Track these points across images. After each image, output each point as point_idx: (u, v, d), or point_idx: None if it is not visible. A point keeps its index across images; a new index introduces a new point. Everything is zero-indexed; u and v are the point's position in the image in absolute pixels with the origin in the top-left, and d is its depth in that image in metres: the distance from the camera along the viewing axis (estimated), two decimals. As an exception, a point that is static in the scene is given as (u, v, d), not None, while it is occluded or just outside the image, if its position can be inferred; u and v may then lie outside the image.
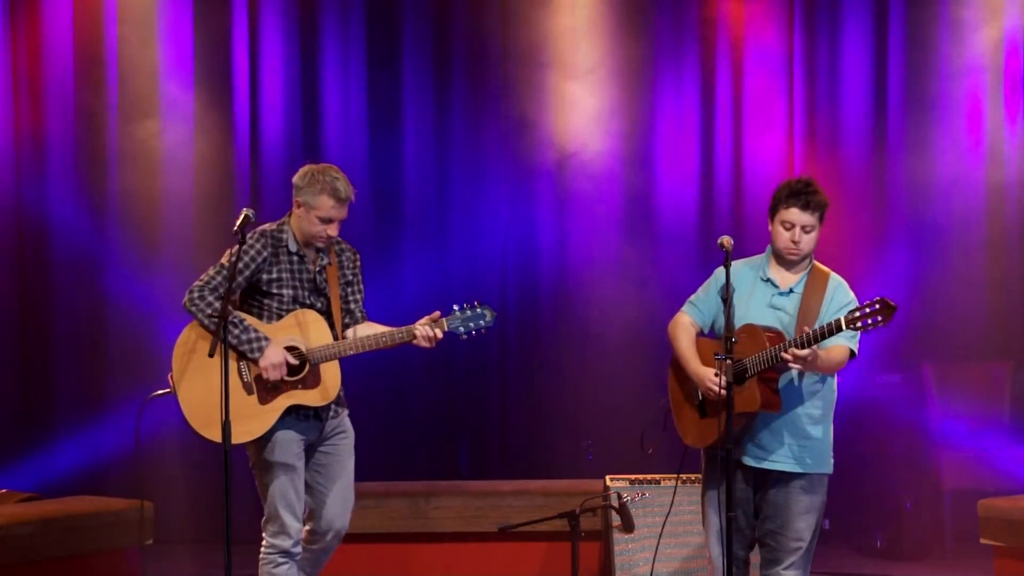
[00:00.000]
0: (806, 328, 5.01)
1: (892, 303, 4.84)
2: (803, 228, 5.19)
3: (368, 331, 5.58)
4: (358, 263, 5.69)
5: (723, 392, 4.98)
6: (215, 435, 5.15)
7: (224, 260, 5.43)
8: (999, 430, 8.69)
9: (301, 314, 5.46)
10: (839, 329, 4.92)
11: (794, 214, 5.18)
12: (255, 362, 5.35)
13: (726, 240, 5.10)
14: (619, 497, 6.66)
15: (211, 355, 5.14)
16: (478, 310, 5.53)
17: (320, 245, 5.49)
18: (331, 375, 5.45)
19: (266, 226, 5.51)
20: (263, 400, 5.37)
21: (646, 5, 9.33)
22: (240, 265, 5.35)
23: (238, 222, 5.19)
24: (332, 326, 5.50)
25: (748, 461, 5.22)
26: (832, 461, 5.28)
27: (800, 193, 5.17)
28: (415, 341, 5.45)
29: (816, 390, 5.21)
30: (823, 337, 4.95)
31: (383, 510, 7.57)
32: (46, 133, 9.06)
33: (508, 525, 6.62)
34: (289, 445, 5.42)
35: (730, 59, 9.30)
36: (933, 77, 9.10)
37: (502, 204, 9.37)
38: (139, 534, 7.40)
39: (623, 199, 9.36)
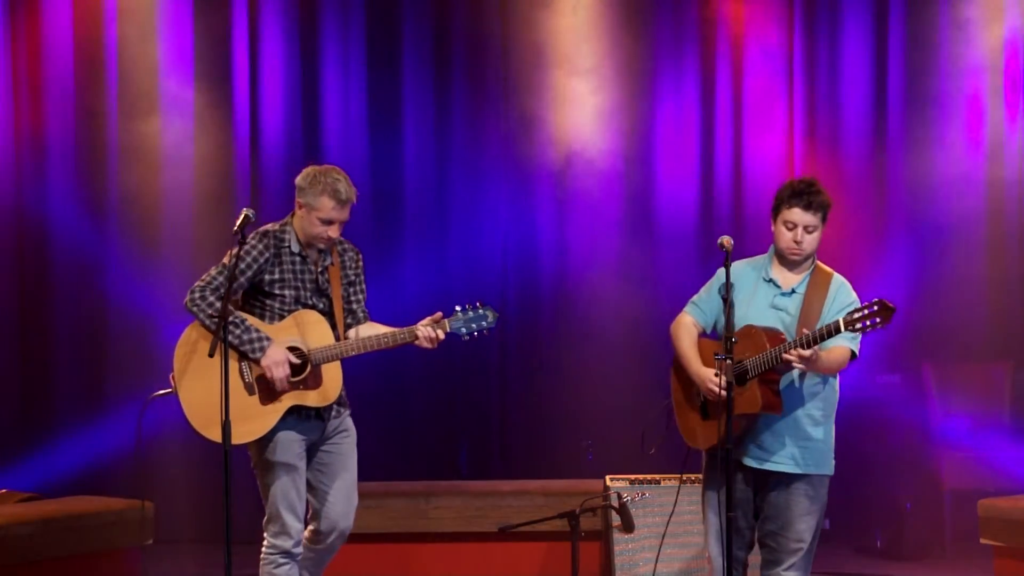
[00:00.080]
0: (805, 330, 5.01)
1: (891, 304, 4.84)
2: (805, 228, 5.18)
3: (370, 331, 5.58)
4: (360, 263, 5.69)
5: (723, 393, 4.98)
6: (216, 435, 5.15)
7: (226, 260, 5.42)
8: (999, 430, 8.70)
9: (303, 315, 5.46)
10: (837, 331, 4.91)
11: (796, 214, 5.17)
12: (257, 362, 5.35)
13: (726, 240, 5.09)
14: (619, 497, 6.66)
15: (211, 355, 5.14)
16: (480, 311, 5.52)
17: (321, 246, 5.49)
18: (332, 376, 5.45)
19: (268, 226, 5.51)
20: (264, 401, 5.37)
21: (646, 5, 9.33)
22: (242, 266, 5.35)
23: (238, 222, 5.18)
24: (334, 326, 5.50)
25: (749, 462, 5.21)
26: (833, 462, 5.27)
27: (803, 193, 5.16)
28: (417, 342, 5.45)
29: (817, 391, 5.21)
30: (822, 339, 4.95)
31: (383, 510, 7.57)
32: (46, 131, 9.05)
33: (508, 525, 6.61)
34: (291, 445, 5.42)
35: (730, 59, 9.31)
36: (933, 77, 9.10)
37: (502, 204, 9.37)
38: (139, 534, 7.40)
39: (623, 199, 9.36)
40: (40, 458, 8.80)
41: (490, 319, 5.53)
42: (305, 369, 5.41)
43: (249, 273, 5.39)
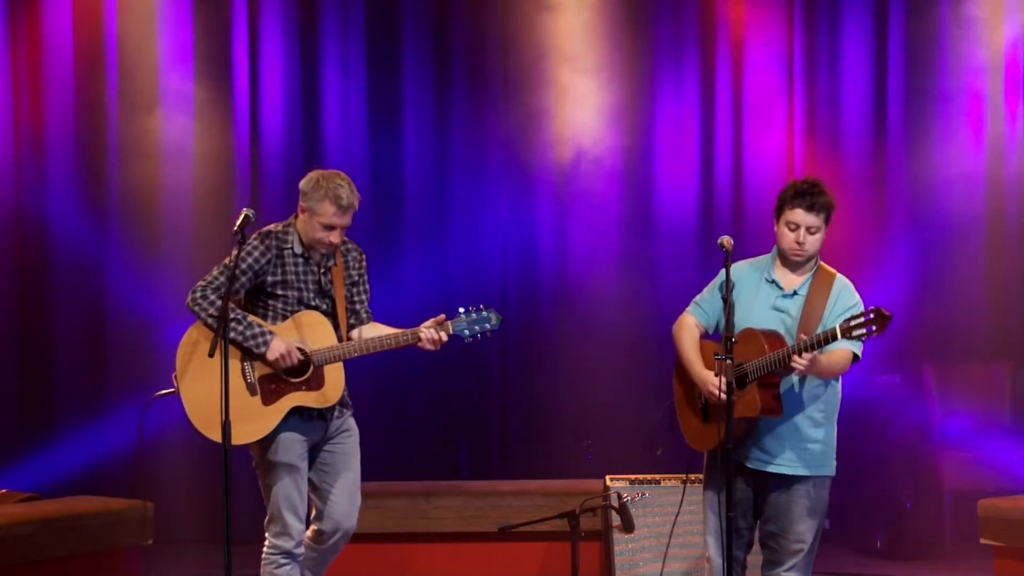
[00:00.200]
0: (803, 335, 5.00)
1: (887, 313, 4.83)
2: (808, 229, 5.17)
3: (373, 332, 5.58)
4: (364, 263, 5.69)
5: (724, 394, 4.98)
6: (218, 435, 5.14)
7: (227, 261, 5.42)
8: (999, 430, 8.70)
9: (305, 315, 5.46)
10: (835, 338, 4.91)
11: (799, 215, 5.16)
12: (262, 357, 5.34)
13: (726, 240, 5.08)
14: (619, 497, 6.66)
15: (211, 355, 5.13)
16: (483, 313, 5.52)
17: (323, 251, 5.49)
18: (335, 377, 5.45)
19: (271, 227, 5.51)
20: (266, 401, 5.37)
21: (647, 5, 9.33)
22: (243, 266, 5.35)
23: (238, 222, 5.18)
24: (337, 327, 5.50)
25: (750, 465, 5.21)
26: (835, 463, 5.27)
27: (805, 194, 5.15)
28: (420, 344, 5.45)
29: (819, 393, 5.20)
30: (820, 345, 4.94)
31: (383, 510, 7.57)
32: (46, 129, 9.04)
33: (508, 525, 6.61)
34: (293, 445, 5.42)
35: (730, 59, 9.30)
36: (933, 76, 9.10)
37: (502, 204, 9.37)
38: (140, 534, 7.40)
39: (623, 199, 9.36)
40: (40, 458, 8.79)
41: (493, 321, 5.53)
42: (307, 370, 5.41)
43: (250, 274, 5.39)
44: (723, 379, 4.97)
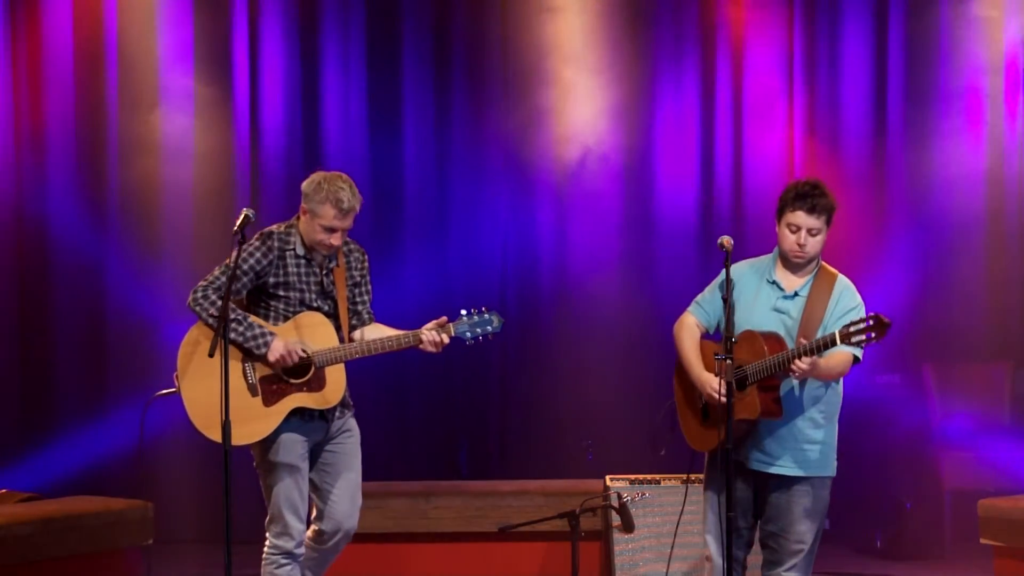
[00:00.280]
0: (803, 339, 5.00)
1: (886, 320, 4.81)
2: (809, 231, 5.16)
3: (375, 333, 5.58)
4: (366, 264, 5.69)
5: (723, 395, 4.97)
6: (218, 435, 5.13)
7: (228, 261, 5.42)
8: (999, 430, 8.70)
9: (307, 316, 5.46)
10: (834, 343, 4.90)
11: (800, 217, 5.15)
12: (263, 357, 5.34)
13: (726, 240, 5.08)
14: (619, 497, 6.66)
15: (211, 355, 5.13)
16: (485, 315, 5.52)
17: (324, 253, 5.48)
18: (335, 378, 5.45)
19: (274, 227, 5.51)
20: (268, 402, 5.37)
21: (647, 6, 9.33)
22: (245, 267, 5.35)
23: (238, 222, 5.18)
24: (339, 328, 5.50)
25: (750, 466, 5.21)
26: (835, 463, 5.27)
27: (807, 196, 5.14)
28: (421, 346, 5.45)
29: (819, 395, 5.20)
30: (819, 350, 4.94)
31: (383, 510, 7.57)
32: (46, 127, 9.04)
33: (508, 525, 6.61)
34: (294, 446, 5.42)
35: (730, 59, 9.31)
36: (933, 76, 9.11)
37: (502, 204, 9.38)
38: (140, 534, 7.40)
39: (623, 199, 9.36)
40: (40, 458, 8.79)
41: (495, 324, 5.53)
42: (309, 371, 5.41)
43: (251, 274, 5.39)
44: (723, 381, 4.97)
